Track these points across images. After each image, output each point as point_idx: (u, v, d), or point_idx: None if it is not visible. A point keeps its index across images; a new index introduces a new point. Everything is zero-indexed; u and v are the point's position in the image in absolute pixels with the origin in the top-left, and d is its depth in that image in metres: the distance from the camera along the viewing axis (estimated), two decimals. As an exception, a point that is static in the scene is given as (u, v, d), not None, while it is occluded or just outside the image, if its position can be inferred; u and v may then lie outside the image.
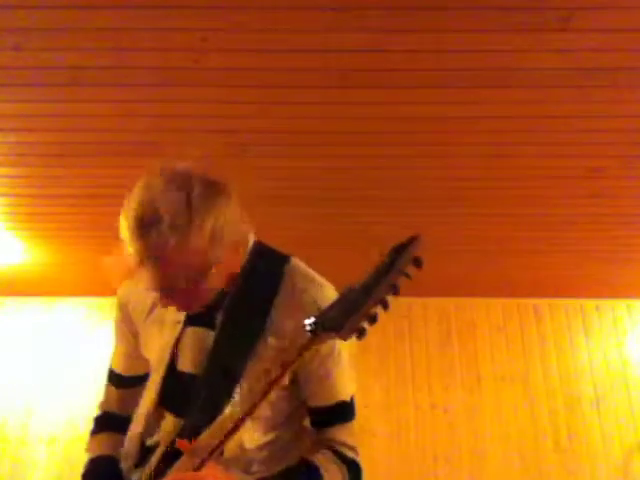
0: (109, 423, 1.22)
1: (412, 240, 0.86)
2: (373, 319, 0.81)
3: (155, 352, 1.09)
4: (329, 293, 1.03)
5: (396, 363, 3.90)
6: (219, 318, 1.02)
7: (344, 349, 1.06)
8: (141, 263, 0.88)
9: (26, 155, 2.43)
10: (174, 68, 1.95)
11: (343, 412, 1.06)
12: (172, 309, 1.04)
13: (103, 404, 1.25)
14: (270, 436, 1.03)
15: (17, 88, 2.05)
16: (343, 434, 1.05)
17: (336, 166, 2.50)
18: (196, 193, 0.89)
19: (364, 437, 3.65)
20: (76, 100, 2.10)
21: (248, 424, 0.93)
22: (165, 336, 1.06)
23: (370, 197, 2.76)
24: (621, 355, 3.99)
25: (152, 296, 1.09)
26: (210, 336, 1.02)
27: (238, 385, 0.97)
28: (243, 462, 1.00)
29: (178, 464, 0.87)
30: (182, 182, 0.91)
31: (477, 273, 3.70)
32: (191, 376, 1.02)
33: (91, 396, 4.02)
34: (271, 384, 0.82)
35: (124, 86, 2.03)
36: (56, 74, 1.98)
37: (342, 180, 2.60)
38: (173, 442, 0.92)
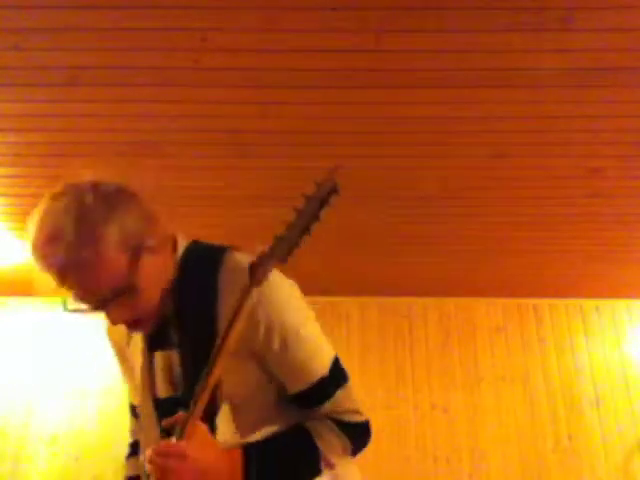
0: (135, 449, 1.25)
1: (327, 178, 0.95)
2: (297, 244, 0.86)
3: (134, 385, 1.09)
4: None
5: (396, 363, 3.90)
6: (174, 337, 0.99)
7: (302, 324, 1.00)
8: (63, 284, 0.88)
9: (26, 155, 2.43)
10: (174, 68, 1.96)
11: (327, 387, 1.01)
12: (137, 338, 1.05)
13: (131, 434, 1.31)
14: (265, 430, 1.00)
15: (17, 88, 2.05)
16: (337, 406, 1.00)
17: (336, 166, 2.49)
18: (93, 202, 0.87)
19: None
20: (76, 100, 2.10)
21: (235, 423, 0.95)
22: (137, 368, 1.06)
23: (370, 197, 2.76)
24: (621, 355, 3.99)
25: (124, 331, 1.08)
26: (175, 356, 1.00)
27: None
28: None
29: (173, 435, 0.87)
30: (78, 196, 0.89)
31: (477, 273, 3.70)
32: (172, 400, 0.99)
33: (91, 396, 4.04)
34: (221, 344, 0.83)
35: (124, 86, 2.03)
36: (56, 74, 1.98)
37: (342, 180, 2.59)
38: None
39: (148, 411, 1.04)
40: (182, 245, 1.03)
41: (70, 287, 0.88)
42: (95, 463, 3.60)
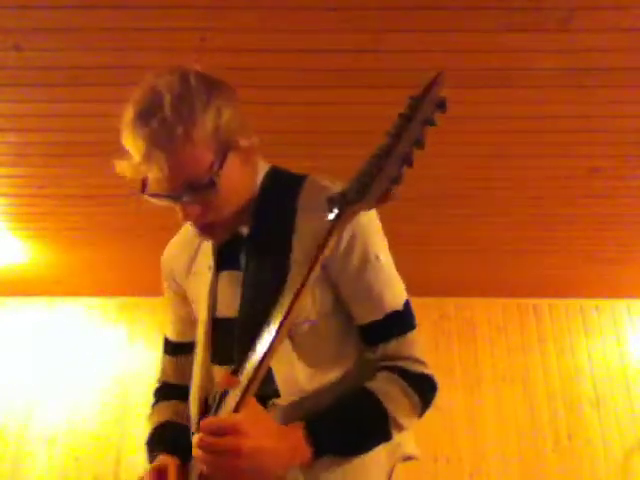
0: (167, 393, 1.13)
1: (433, 82, 0.79)
2: (396, 179, 0.74)
3: (197, 304, 1.02)
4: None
5: (396, 363, 3.90)
6: (243, 257, 0.95)
7: (383, 252, 0.96)
8: (148, 160, 0.81)
9: (26, 155, 2.43)
10: (174, 68, 1.95)
11: (398, 323, 0.93)
12: (206, 256, 1.00)
13: (160, 377, 1.16)
14: (332, 375, 0.89)
15: (17, 88, 2.05)
16: (404, 348, 0.92)
17: (336, 166, 2.49)
18: (196, 85, 0.85)
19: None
20: (76, 100, 2.11)
21: (300, 363, 0.87)
22: (202, 285, 1.00)
23: (370, 197, 2.76)
24: (621, 355, 3.99)
25: (190, 250, 1.05)
26: (238, 278, 0.94)
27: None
28: (306, 409, 0.85)
29: (224, 406, 0.75)
30: (182, 75, 0.86)
31: (477, 273, 3.70)
32: (229, 321, 0.93)
33: (91, 396, 4.04)
34: (302, 286, 0.71)
35: (124, 86, 2.02)
36: (56, 74, 1.98)
37: (342, 180, 2.60)
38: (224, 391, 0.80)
39: (200, 333, 0.99)
40: (263, 168, 1.01)
41: (151, 167, 0.81)
42: (95, 463, 3.60)
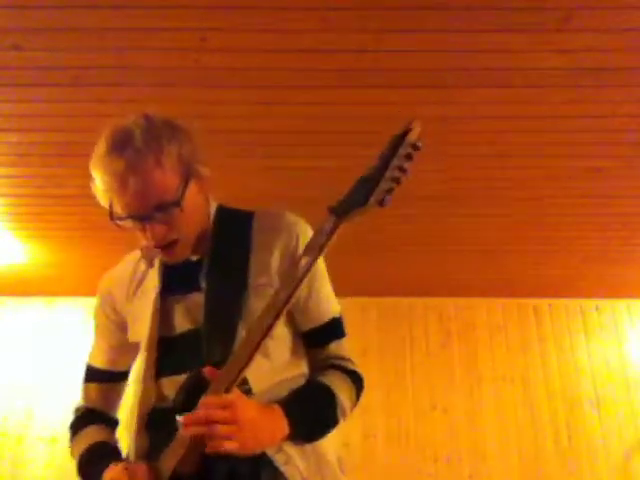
0: (93, 418, 1.15)
1: (407, 129, 0.95)
2: (389, 192, 0.90)
3: (138, 325, 1.08)
4: (303, 222, 1.11)
5: (396, 363, 3.90)
6: (202, 280, 1.03)
7: (323, 267, 1.11)
8: (124, 185, 0.93)
9: (26, 155, 2.43)
10: (174, 68, 1.96)
11: (336, 328, 1.10)
12: (152, 281, 1.07)
13: (82, 404, 1.18)
14: (289, 373, 1.03)
15: (17, 88, 2.05)
16: (340, 350, 1.08)
17: (336, 166, 2.50)
18: (160, 122, 0.98)
19: (365, 438, 3.66)
20: (76, 100, 2.11)
21: (265, 363, 0.97)
22: (146, 307, 1.06)
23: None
24: (621, 355, 3.99)
25: (132, 277, 1.12)
26: (196, 299, 1.02)
27: (241, 326, 0.97)
28: (273, 399, 0.97)
29: (209, 392, 0.85)
30: (146, 116, 0.99)
31: (477, 273, 3.70)
32: (186, 334, 1.02)
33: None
34: (290, 294, 0.83)
35: (124, 86, 2.03)
36: (57, 74, 1.98)
37: (342, 180, 2.59)
38: (195, 373, 0.90)
39: (150, 346, 1.04)
40: (213, 203, 1.12)
41: (126, 191, 0.93)
42: (95, 463, 3.60)
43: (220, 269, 1.03)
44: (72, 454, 1.11)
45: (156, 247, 0.99)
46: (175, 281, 1.06)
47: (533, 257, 3.43)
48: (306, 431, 0.96)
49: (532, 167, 2.50)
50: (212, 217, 1.09)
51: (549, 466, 3.66)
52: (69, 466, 3.72)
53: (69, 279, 3.78)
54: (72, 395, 4.08)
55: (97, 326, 1.22)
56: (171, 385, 0.98)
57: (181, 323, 1.03)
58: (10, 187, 2.67)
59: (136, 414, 1.01)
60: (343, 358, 1.08)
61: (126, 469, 0.92)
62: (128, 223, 0.98)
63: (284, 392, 0.98)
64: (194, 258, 1.06)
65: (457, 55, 1.89)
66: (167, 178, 0.94)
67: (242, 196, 2.76)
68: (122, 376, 1.17)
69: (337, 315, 1.11)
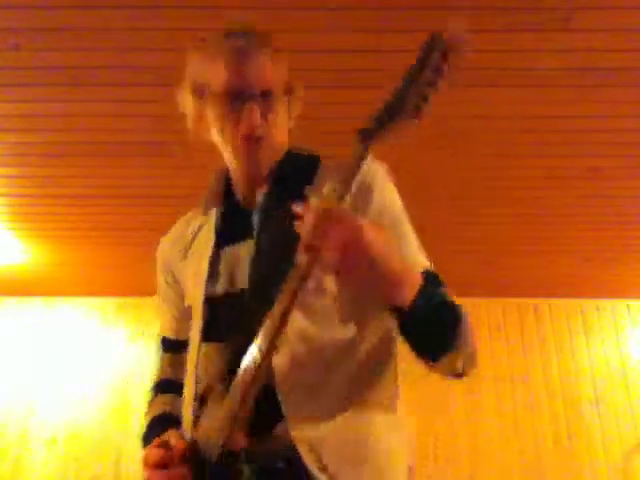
0: (164, 387, 1.09)
1: (433, 39, 0.84)
2: (425, 99, 0.78)
3: (193, 283, 0.99)
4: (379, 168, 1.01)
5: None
6: (256, 221, 0.95)
7: (406, 216, 0.95)
8: (235, 60, 0.90)
9: (26, 155, 2.43)
10: (174, 68, 1.95)
11: (437, 279, 0.88)
12: (205, 235, 1.00)
13: (157, 374, 1.12)
14: (342, 334, 0.86)
15: (17, 88, 2.05)
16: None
17: (336, 166, 2.50)
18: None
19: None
20: (76, 100, 2.11)
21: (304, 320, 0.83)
22: (201, 265, 0.97)
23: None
24: (621, 355, 3.99)
25: (185, 239, 1.05)
26: (245, 249, 0.93)
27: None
28: (315, 360, 0.83)
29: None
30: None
31: (477, 273, 3.70)
32: (231, 294, 0.92)
33: (91, 396, 4.04)
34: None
35: (124, 86, 2.03)
36: (56, 74, 1.98)
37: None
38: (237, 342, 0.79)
39: (195, 317, 0.96)
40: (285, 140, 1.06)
41: (237, 69, 0.91)
42: (95, 464, 3.60)
43: (275, 216, 0.92)
44: (143, 418, 1.06)
45: (247, 134, 0.92)
46: (230, 230, 0.98)
47: (533, 257, 3.43)
48: (426, 316, 0.78)
49: (532, 167, 2.50)
50: (281, 156, 1.02)
51: (549, 466, 3.66)
52: (69, 466, 3.70)
53: (69, 279, 3.78)
54: (72, 395, 4.06)
55: (159, 293, 1.13)
56: (216, 353, 0.90)
57: (227, 280, 0.93)
58: (10, 187, 2.67)
59: (188, 386, 0.94)
60: None
61: (159, 445, 0.83)
62: (220, 102, 0.92)
63: (334, 357, 0.84)
64: (259, 196, 0.98)
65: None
66: (277, 72, 0.95)
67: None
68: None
69: (430, 269, 0.89)
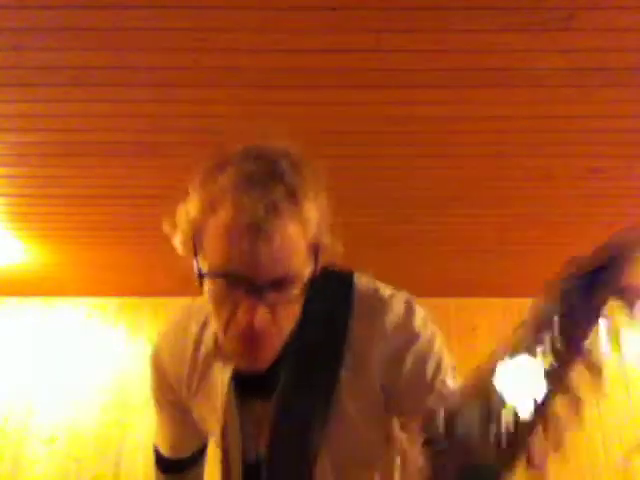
0: None
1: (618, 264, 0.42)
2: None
3: (221, 439, 0.83)
4: (421, 312, 0.84)
5: (396, 363, 3.90)
6: (280, 381, 0.77)
7: (449, 371, 0.80)
8: (237, 233, 0.63)
9: (26, 155, 2.43)
10: (174, 68, 1.95)
11: None
12: (218, 374, 0.82)
13: None
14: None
15: (17, 88, 2.05)
16: None
17: (336, 166, 2.50)
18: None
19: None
20: (76, 100, 2.10)
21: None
22: (220, 416, 0.81)
23: (370, 197, 2.76)
24: (621, 355, 3.98)
25: (192, 361, 0.86)
26: (266, 411, 0.78)
27: (316, 465, 0.74)
28: None
29: None
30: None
31: (477, 273, 3.70)
32: (257, 463, 0.78)
33: (91, 396, 4.03)
34: None
35: (124, 86, 2.02)
36: (56, 74, 1.98)
37: (342, 180, 2.60)
38: None
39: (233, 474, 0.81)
40: None
41: (248, 243, 0.63)
42: (95, 464, 3.60)
43: (301, 372, 0.76)
44: None
45: (238, 337, 0.69)
46: (248, 381, 0.79)
47: (533, 257, 3.43)
48: None
49: (532, 167, 2.50)
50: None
51: (549, 466, 3.65)
52: (69, 466, 3.69)
53: (69, 279, 3.78)
54: (72, 395, 4.05)
55: (157, 408, 0.98)
56: None
57: (249, 445, 0.79)
58: (10, 187, 2.67)
59: None
60: None
61: None
62: (217, 285, 0.68)
63: None
64: (289, 347, 0.77)
65: (457, 55, 1.89)
66: (302, 244, 0.67)
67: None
68: (191, 461, 0.96)
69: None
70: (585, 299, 0.42)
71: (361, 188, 2.67)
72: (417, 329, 0.81)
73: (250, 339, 0.68)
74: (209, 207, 0.67)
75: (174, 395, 0.91)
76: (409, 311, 0.82)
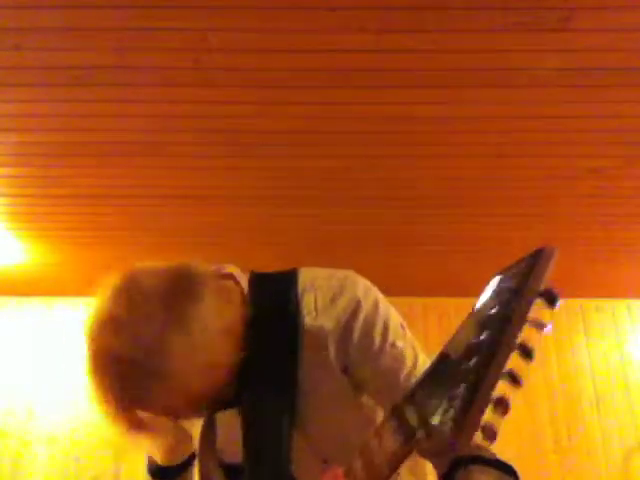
0: None
1: (534, 262, 0.52)
2: (504, 406, 0.48)
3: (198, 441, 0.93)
4: (360, 284, 0.87)
5: (396, 363, 3.90)
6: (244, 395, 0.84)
7: (397, 335, 0.85)
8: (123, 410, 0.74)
9: (26, 155, 2.43)
10: (174, 68, 1.95)
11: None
12: None
13: None
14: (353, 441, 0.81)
15: (17, 88, 2.05)
16: None
17: (336, 166, 2.50)
18: (165, 321, 0.73)
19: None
20: (76, 100, 2.10)
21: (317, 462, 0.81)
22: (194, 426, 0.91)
23: (370, 197, 2.76)
24: (621, 355, 3.98)
25: None
26: (235, 415, 0.85)
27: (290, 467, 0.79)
28: None
29: None
30: (149, 308, 0.76)
31: (477, 273, 3.70)
32: (237, 468, 0.85)
33: (91, 396, 4.01)
34: None
35: (124, 86, 2.03)
36: (56, 74, 1.98)
37: (342, 180, 2.60)
38: None
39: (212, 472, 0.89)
40: (244, 286, 0.88)
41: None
42: (95, 463, 3.60)
43: (260, 381, 0.82)
44: None
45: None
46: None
47: (533, 257, 3.43)
48: None
49: (532, 167, 2.50)
50: (248, 309, 0.84)
51: (549, 466, 3.66)
52: (69, 466, 3.69)
53: (69, 279, 3.78)
54: (72, 395, 4.06)
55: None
56: None
57: (232, 450, 0.86)
58: (10, 187, 2.67)
59: None
60: None
61: None
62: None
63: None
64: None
65: (457, 55, 1.89)
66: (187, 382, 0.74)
67: (242, 195, 2.76)
68: (184, 466, 0.98)
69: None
70: (515, 299, 0.48)
71: (361, 188, 2.67)
72: (358, 298, 0.84)
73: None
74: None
75: None
76: (350, 285, 0.85)
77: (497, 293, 0.55)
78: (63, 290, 3.95)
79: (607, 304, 4.12)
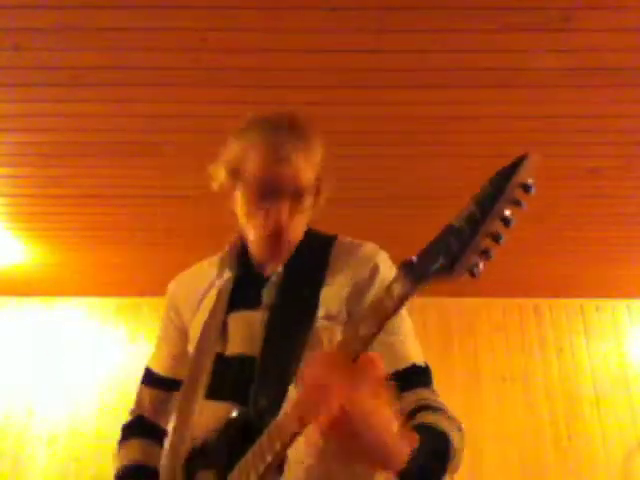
0: (140, 430, 1.09)
1: (519, 161, 0.68)
2: (486, 254, 0.62)
3: (198, 340, 1.01)
4: (383, 253, 1.04)
5: (396, 363, 3.90)
6: (267, 297, 0.97)
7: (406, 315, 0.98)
8: (275, 153, 0.93)
9: (26, 155, 2.43)
10: (174, 68, 1.96)
11: (422, 375, 0.97)
12: (217, 291, 1.02)
13: (134, 410, 1.12)
14: None
15: (17, 88, 2.05)
16: (431, 395, 0.95)
17: (336, 166, 2.49)
18: (313, 127, 1.03)
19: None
20: (76, 100, 2.11)
21: None
22: (213, 322, 1.00)
23: (370, 197, 2.76)
24: (621, 355, 3.99)
25: (201, 286, 1.06)
26: (258, 317, 0.95)
27: (302, 360, 0.87)
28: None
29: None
30: (300, 116, 1.03)
31: (477, 273, 3.70)
32: (242, 359, 0.93)
33: (91, 396, 4.04)
34: (366, 340, 0.63)
35: (124, 86, 2.03)
36: (56, 74, 1.98)
37: (342, 180, 2.60)
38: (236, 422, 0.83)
39: (200, 368, 0.97)
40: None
41: (274, 163, 0.94)
42: (95, 463, 3.60)
43: (290, 291, 0.97)
44: (114, 459, 1.06)
45: (270, 231, 0.95)
46: (241, 295, 1.01)
47: (533, 257, 3.43)
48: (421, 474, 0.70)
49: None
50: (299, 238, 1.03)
51: (549, 466, 3.66)
52: (69, 466, 3.69)
53: (69, 279, 3.78)
54: (72, 395, 4.05)
55: (162, 329, 1.14)
56: (211, 411, 0.91)
57: (239, 344, 0.96)
58: (10, 187, 2.67)
59: (184, 436, 0.93)
60: (437, 401, 0.94)
61: None
62: (252, 192, 0.95)
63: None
64: (273, 272, 1.01)
65: (457, 55, 1.89)
66: (310, 171, 0.97)
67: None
68: (179, 384, 1.06)
69: (422, 364, 0.98)
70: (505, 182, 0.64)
71: (361, 188, 2.67)
72: (380, 262, 1.01)
73: (277, 234, 0.95)
74: (249, 145, 0.98)
75: (179, 319, 1.09)
76: (378, 250, 1.04)
77: (490, 181, 0.68)
78: (63, 290, 3.95)
79: (607, 304, 4.12)
